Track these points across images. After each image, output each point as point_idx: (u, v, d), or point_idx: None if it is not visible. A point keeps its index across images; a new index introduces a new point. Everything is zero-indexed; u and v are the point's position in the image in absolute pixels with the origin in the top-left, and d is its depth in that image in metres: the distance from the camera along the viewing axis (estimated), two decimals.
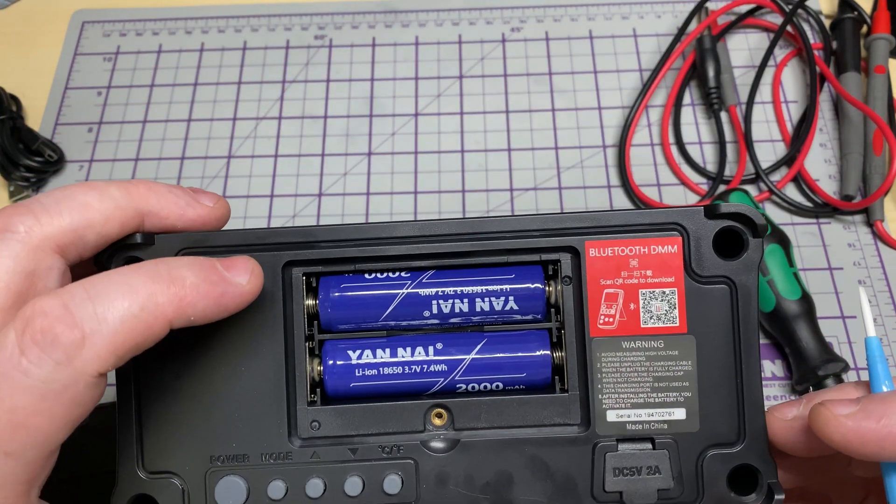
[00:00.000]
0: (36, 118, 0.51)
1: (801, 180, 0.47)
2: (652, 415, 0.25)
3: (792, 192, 0.47)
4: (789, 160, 0.48)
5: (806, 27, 0.52)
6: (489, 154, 0.49)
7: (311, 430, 0.25)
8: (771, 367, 0.42)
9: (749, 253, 0.25)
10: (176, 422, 0.25)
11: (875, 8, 0.51)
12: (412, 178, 0.49)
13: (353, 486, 0.25)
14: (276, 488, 0.25)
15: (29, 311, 0.20)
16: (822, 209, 0.46)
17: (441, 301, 0.26)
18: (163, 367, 0.25)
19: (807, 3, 0.52)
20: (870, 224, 0.46)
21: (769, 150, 0.49)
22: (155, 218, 0.24)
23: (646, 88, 0.50)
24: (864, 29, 0.52)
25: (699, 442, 0.25)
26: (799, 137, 0.48)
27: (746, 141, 0.48)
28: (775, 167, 0.47)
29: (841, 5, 0.52)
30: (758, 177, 0.47)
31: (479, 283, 0.26)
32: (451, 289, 0.26)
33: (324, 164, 0.49)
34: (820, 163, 0.48)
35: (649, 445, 0.25)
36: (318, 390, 0.26)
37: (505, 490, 0.25)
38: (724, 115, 0.50)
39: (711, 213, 0.25)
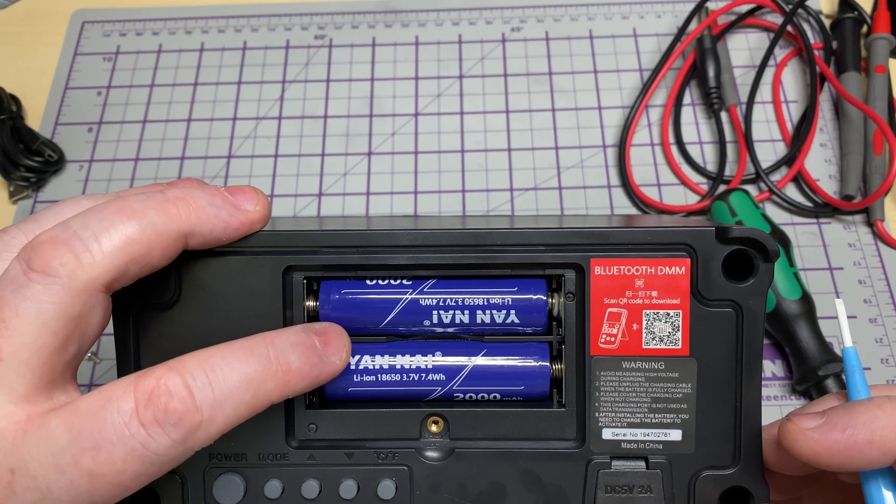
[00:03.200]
0: (36, 118, 0.51)
1: (801, 180, 0.47)
2: (647, 434, 0.25)
3: (792, 192, 0.47)
4: (789, 160, 0.48)
5: (806, 27, 0.52)
6: (489, 154, 0.49)
7: (308, 432, 0.26)
8: (771, 367, 0.42)
9: (759, 277, 0.25)
10: None
11: (875, 8, 0.51)
12: (412, 178, 0.49)
13: (347, 489, 0.25)
14: (273, 488, 0.25)
15: (152, 386, 0.20)
16: (823, 209, 0.46)
17: (442, 312, 0.26)
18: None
19: (807, 3, 0.52)
20: (870, 224, 0.46)
21: (769, 150, 0.49)
22: (199, 237, 0.23)
23: (646, 88, 0.50)
24: (864, 29, 0.52)
25: (693, 464, 0.25)
26: (799, 137, 0.48)
27: (746, 141, 0.48)
28: (775, 167, 0.47)
29: (841, 5, 0.52)
30: (758, 177, 0.47)
31: (481, 293, 0.26)
32: (453, 299, 0.26)
33: (324, 164, 0.49)
34: (820, 163, 0.48)
35: (643, 464, 0.25)
36: (316, 394, 0.26)
37: (497, 501, 0.25)
38: (724, 115, 0.50)
39: (723, 236, 0.24)
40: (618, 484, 0.25)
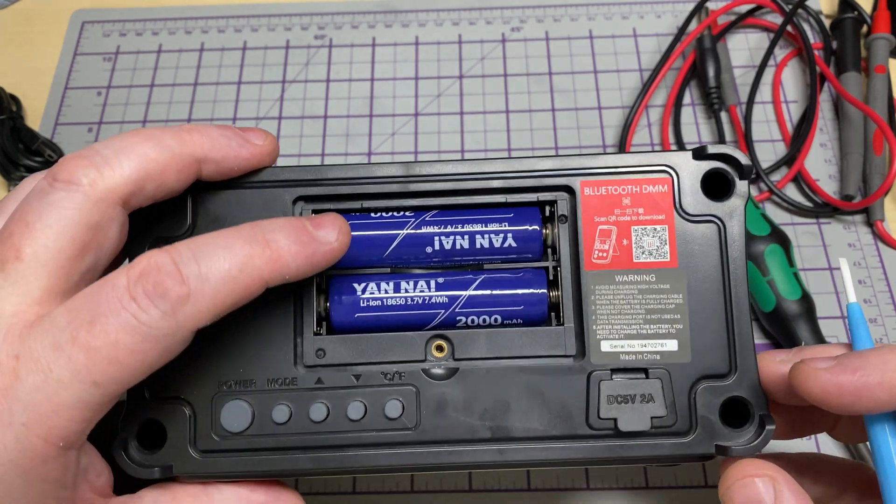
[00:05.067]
0: (36, 118, 0.51)
1: (801, 180, 0.47)
2: (645, 345, 0.26)
3: (792, 192, 0.47)
4: (789, 160, 0.48)
5: (806, 27, 0.52)
6: (489, 154, 0.49)
7: (316, 358, 0.26)
8: None
9: (736, 194, 0.27)
10: (186, 350, 0.26)
11: (875, 8, 0.51)
12: None
13: (355, 410, 0.26)
14: (281, 412, 0.26)
15: (143, 264, 0.21)
16: (822, 209, 0.46)
17: (443, 237, 0.27)
18: None
19: (807, 3, 0.52)
20: (870, 224, 0.46)
21: (769, 150, 0.49)
22: (212, 164, 0.25)
23: (646, 88, 0.50)
24: (864, 29, 0.52)
25: (691, 373, 0.26)
26: (799, 137, 0.48)
27: (746, 141, 0.48)
28: (775, 167, 0.47)
29: (841, 5, 0.52)
30: (758, 177, 0.47)
31: (480, 220, 0.27)
32: (453, 225, 0.27)
33: (324, 164, 0.49)
34: (820, 163, 0.48)
35: (643, 375, 0.26)
36: (323, 323, 0.27)
37: (502, 416, 0.26)
38: (724, 115, 0.50)
39: (699, 154, 0.27)
40: (619, 394, 0.26)
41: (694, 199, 0.27)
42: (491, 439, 0.26)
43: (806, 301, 0.41)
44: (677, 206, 0.27)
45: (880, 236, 0.45)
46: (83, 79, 0.53)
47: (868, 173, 0.46)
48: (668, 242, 0.27)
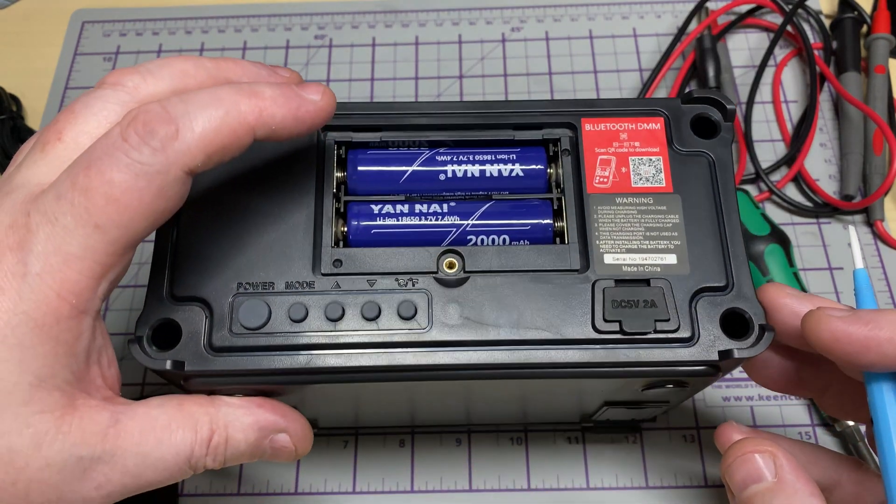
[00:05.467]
0: (36, 118, 0.51)
1: (801, 180, 0.47)
2: (645, 259, 0.28)
3: (792, 191, 0.47)
4: (789, 160, 0.48)
5: (806, 27, 0.52)
6: None
7: (333, 267, 0.27)
8: None
9: (722, 134, 0.29)
10: (208, 254, 0.27)
11: (875, 8, 0.51)
12: None
13: (370, 309, 0.27)
14: (298, 310, 0.27)
15: (134, 112, 0.22)
16: (822, 209, 0.46)
17: (455, 166, 0.29)
18: (203, 208, 0.27)
19: (807, 3, 0.53)
20: (870, 224, 0.46)
21: (769, 150, 0.49)
22: (266, 129, 0.24)
23: (646, 88, 0.50)
24: (864, 29, 0.52)
25: (691, 285, 0.27)
26: (799, 137, 0.48)
27: (746, 141, 0.48)
28: (775, 167, 0.47)
29: (841, 5, 0.52)
30: (758, 177, 0.47)
31: (489, 153, 0.30)
32: (465, 155, 0.30)
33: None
34: (820, 163, 0.48)
35: (645, 284, 0.27)
36: (340, 243, 0.28)
37: (511, 321, 0.27)
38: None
39: (687, 99, 0.30)
40: (623, 299, 0.27)
41: (685, 137, 0.29)
42: (500, 342, 0.27)
43: None
44: (670, 142, 0.29)
45: (880, 236, 0.45)
46: (83, 79, 0.53)
47: (868, 173, 0.46)
48: (663, 171, 0.29)
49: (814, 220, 0.46)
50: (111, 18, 0.55)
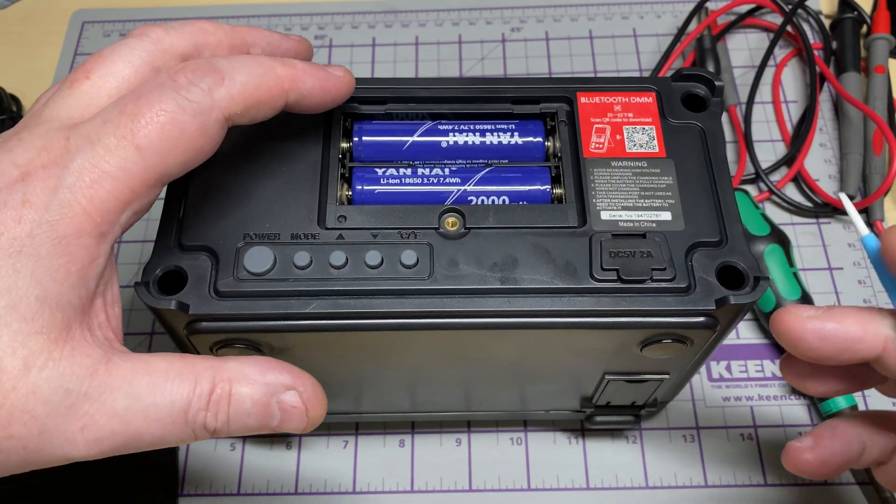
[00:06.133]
0: None
1: (801, 180, 0.47)
2: (641, 216, 0.28)
3: (792, 192, 0.47)
4: (789, 160, 0.48)
5: (806, 27, 0.52)
6: None
7: (337, 222, 0.28)
8: (771, 368, 0.42)
9: (711, 108, 0.31)
10: (217, 209, 0.28)
11: (875, 8, 0.51)
12: None
13: (373, 257, 0.27)
14: (302, 257, 0.27)
15: (182, 63, 0.25)
16: (822, 209, 0.46)
17: (456, 134, 0.31)
18: (214, 163, 0.28)
19: (807, 3, 0.53)
20: (870, 224, 0.46)
21: (769, 150, 0.49)
22: (297, 94, 0.26)
23: None
24: (864, 29, 0.52)
25: (686, 239, 0.28)
26: (799, 137, 0.48)
27: (746, 141, 0.48)
28: (775, 167, 0.47)
29: (841, 5, 0.52)
30: (758, 177, 0.47)
31: (489, 122, 0.31)
32: (466, 124, 0.31)
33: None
34: (820, 163, 0.48)
35: (641, 237, 0.28)
36: (346, 203, 0.29)
37: (511, 270, 0.27)
38: (724, 115, 0.50)
39: (677, 76, 0.32)
40: (621, 250, 0.28)
41: (676, 111, 0.31)
42: (500, 290, 0.27)
43: (805, 301, 0.41)
44: (662, 113, 0.31)
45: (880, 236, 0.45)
46: None
47: (868, 173, 0.46)
48: (655, 138, 0.30)
49: (814, 221, 0.46)
50: (111, 18, 0.56)
